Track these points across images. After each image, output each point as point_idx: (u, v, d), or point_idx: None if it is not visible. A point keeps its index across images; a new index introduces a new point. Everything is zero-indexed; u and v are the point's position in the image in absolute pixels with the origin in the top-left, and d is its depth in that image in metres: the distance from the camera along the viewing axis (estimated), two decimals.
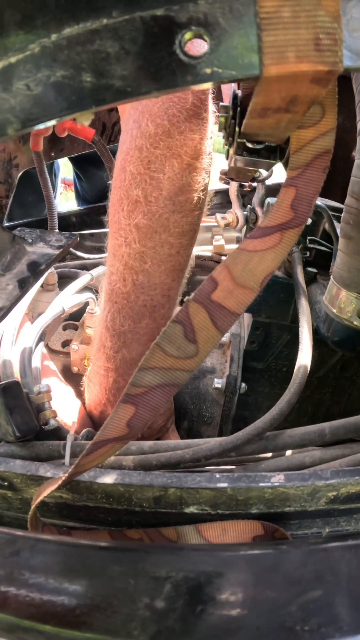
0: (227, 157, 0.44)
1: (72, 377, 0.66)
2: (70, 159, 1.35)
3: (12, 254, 0.43)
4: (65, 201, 2.23)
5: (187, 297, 0.34)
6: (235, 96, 0.36)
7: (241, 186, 0.62)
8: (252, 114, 0.30)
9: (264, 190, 0.62)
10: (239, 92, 0.36)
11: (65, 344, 0.66)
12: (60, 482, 0.37)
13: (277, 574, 0.27)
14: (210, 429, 0.60)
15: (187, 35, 0.23)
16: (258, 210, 0.62)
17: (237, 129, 0.35)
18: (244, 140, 0.38)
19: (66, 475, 0.37)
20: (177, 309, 0.51)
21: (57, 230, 0.80)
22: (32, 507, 0.38)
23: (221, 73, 0.23)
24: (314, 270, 0.56)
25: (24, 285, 0.40)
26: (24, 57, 0.24)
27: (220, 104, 0.37)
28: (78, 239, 0.49)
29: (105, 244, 0.51)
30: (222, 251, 0.77)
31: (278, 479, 0.39)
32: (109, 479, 0.39)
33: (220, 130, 0.37)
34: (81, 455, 0.35)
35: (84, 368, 0.63)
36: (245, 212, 0.63)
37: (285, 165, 0.40)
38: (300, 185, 0.32)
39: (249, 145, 0.39)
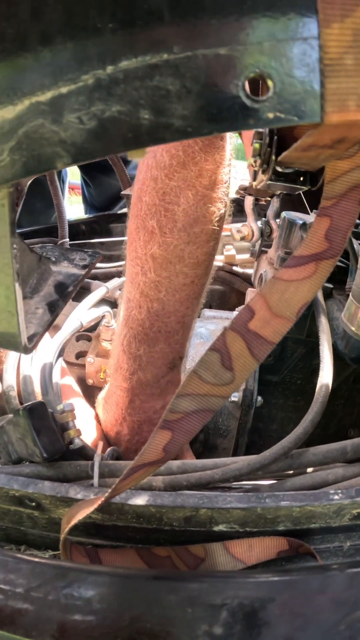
0: (255, 179, 0.44)
1: (87, 390, 0.66)
2: (79, 165, 1.34)
3: (39, 275, 0.42)
4: (69, 205, 2.19)
5: (224, 326, 0.35)
6: None
7: (257, 199, 0.63)
8: (297, 149, 0.30)
9: (278, 202, 0.63)
10: None
11: (79, 355, 0.66)
12: (95, 505, 0.37)
13: (325, 596, 0.28)
14: (226, 441, 0.61)
15: (251, 77, 0.23)
16: (272, 223, 0.63)
17: (273, 157, 0.36)
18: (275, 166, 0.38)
19: (102, 498, 0.37)
20: (192, 332, 0.52)
21: (67, 240, 0.80)
22: (64, 532, 0.39)
23: (283, 118, 0.23)
24: (330, 285, 0.57)
25: (54, 309, 0.40)
26: (76, 88, 0.23)
27: (255, 129, 0.38)
28: (101, 257, 0.49)
29: (123, 251, 0.51)
30: (233, 261, 0.78)
31: (305, 498, 0.40)
32: (140, 500, 0.40)
33: (254, 155, 0.37)
34: (118, 479, 0.36)
35: (99, 380, 0.63)
36: (260, 225, 0.63)
37: (313, 191, 0.40)
38: (334, 215, 0.33)
39: (279, 169, 0.39)
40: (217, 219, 0.44)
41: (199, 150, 0.40)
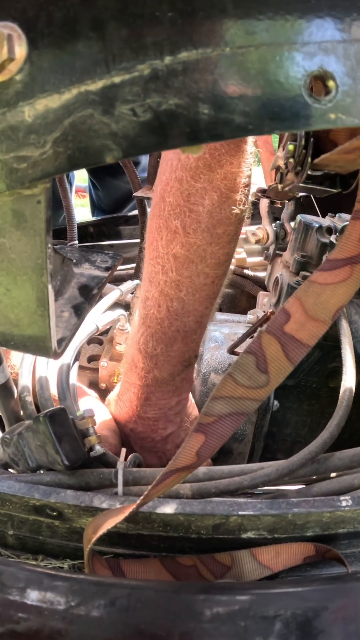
0: (281, 181, 0.44)
1: (99, 394, 0.65)
2: (87, 168, 1.32)
3: (62, 276, 0.41)
4: (75, 208, 2.17)
5: (259, 329, 0.34)
6: None
7: (272, 202, 0.62)
8: (340, 151, 0.30)
9: (293, 205, 0.63)
10: None
11: (91, 359, 0.64)
12: (125, 514, 0.36)
13: None
14: (242, 445, 0.60)
15: (315, 75, 0.22)
16: (287, 226, 0.63)
17: (308, 159, 0.35)
18: None
19: (132, 507, 0.36)
20: (207, 332, 0.51)
21: (76, 242, 0.79)
22: (91, 542, 0.37)
23: (344, 119, 0.23)
24: None
25: (79, 312, 0.39)
26: (130, 79, 0.22)
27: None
28: (122, 259, 0.48)
29: (141, 252, 0.51)
30: (244, 264, 0.77)
31: (337, 503, 0.40)
32: (169, 509, 0.39)
33: (287, 157, 0.37)
34: (151, 485, 0.35)
35: (113, 384, 0.62)
36: (274, 228, 0.63)
37: (346, 194, 0.40)
38: None
39: (309, 172, 0.39)
40: (238, 220, 0.44)
41: (225, 153, 0.40)
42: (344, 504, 0.39)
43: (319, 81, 0.22)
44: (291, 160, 0.37)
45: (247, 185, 0.43)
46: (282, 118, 0.23)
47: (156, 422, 0.53)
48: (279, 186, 0.44)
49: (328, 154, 0.32)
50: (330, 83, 0.23)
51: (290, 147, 0.36)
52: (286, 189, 0.42)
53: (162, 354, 0.49)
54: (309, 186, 0.39)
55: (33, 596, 0.28)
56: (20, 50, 0.22)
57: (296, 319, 0.34)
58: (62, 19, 0.23)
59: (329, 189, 0.40)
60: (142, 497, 0.35)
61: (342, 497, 0.40)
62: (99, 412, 0.55)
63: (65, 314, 0.39)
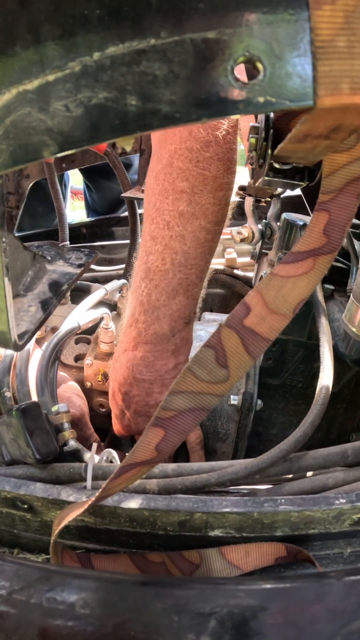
0: (252, 176, 0.43)
1: (85, 392, 0.65)
2: (81, 170, 1.35)
3: (34, 272, 0.42)
4: (72, 210, 2.21)
5: (220, 323, 0.34)
6: (267, 117, 0.35)
7: (257, 201, 0.62)
8: (292, 140, 0.30)
9: (279, 204, 0.62)
10: (272, 114, 0.35)
11: (78, 358, 0.65)
12: (85, 507, 0.36)
13: (320, 606, 0.26)
14: (226, 445, 0.59)
15: (240, 60, 0.22)
16: (273, 224, 0.62)
17: (269, 151, 0.35)
18: (272, 161, 0.37)
19: (92, 499, 0.36)
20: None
21: (68, 243, 0.80)
22: (54, 534, 0.38)
23: (274, 102, 0.23)
24: (331, 287, 0.56)
25: (47, 307, 0.39)
26: (63, 76, 0.23)
27: (251, 124, 0.37)
28: (98, 256, 0.49)
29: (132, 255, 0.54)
30: (234, 264, 0.77)
31: (304, 502, 0.39)
32: (134, 503, 0.39)
33: (250, 151, 0.37)
34: (109, 478, 0.35)
35: (98, 383, 0.62)
36: (260, 227, 0.63)
37: (311, 187, 0.40)
38: (333, 210, 0.32)
39: (276, 165, 0.38)
40: (232, 187, 0.50)
41: (231, 131, 0.45)
42: (311, 503, 0.39)
43: (243, 65, 0.22)
44: (254, 153, 0.37)
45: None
46: (209, 105, 0.23)
47: (151, 385, 0.54)
48: (250, 181, 0.43)
49: (282, 144, 0.31)
50: (258, 66, 0.22)
51: (252, 140, 0.36)
52: (258, 184, 0.42)
53: (164, 306, 0.51)
54: (279, 180, 0.39)
55: None
56: None
57: (256, 312, 0.34)
58: (2, 24, 0.24)
59: (298, 182, 0.40)
60: (100, 490, 0.35)
61: (310, 497, 0.39)
62: (65, 380, 0.58)
63: (32, 309, 0.39)
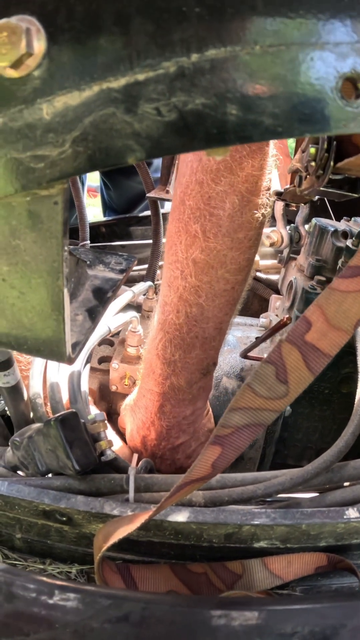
0: (300, 184, 0.42)
1: (110, 395, 0.64)
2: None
3: (76, 278, 0.41)
4: (87, 207, 2.15)
5: (280, 338, 0.33)
6: None
7: (287, 205, 0.61)
8: None
9: (307, 209, 0.61)
10: None
11: (102, 360, 0.64)
12: (137, 524, 0.36)
13: None
14: (253, 451, 0.59)
15: (347, 77, 0.21)
16: (301, 229, 0.62)
17: (331, 162, 0.34)
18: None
19: (145, 516, 0.35)
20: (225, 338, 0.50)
21: (88, 242, 0.78)
22: (101, 550, 0.37)
23: None
24: None
25: (94, 316, 0.38)
26: (155, 76, 0.21)
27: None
28: (136, 261, 0.47)
29: (154, 254, 0.49)
30: (256, 267, 0.76)
31: (352, 514, 0.39)
32: (181, 517, 0.38)
33: (310, 161, 0.36)
34: (164, 498, 0.34)
35: (124, 387, 0.61)
36: (289, 232, 0.62)
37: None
38: None
39: (330, 176, 0.38)
40: (259, 225, 0.43)
41: (246, 155, 0.38)
42: (349, 515, 0.39)
43: (349, 83, 0.21)
44: (312, 163, 0.36)
45: (268, 188, 0.42)
46: (313, 121, 0.22)
47: (169, 431, 0.52)
48: (297, 189, 0.42)
49: (353, 158, 0.31)
50: None
51: (312, 150, 0.35)
52: (305, 192, 0.41)
53: (180, 360, 0.48)
54: (329, 190, 0.38)
55: (45, 608, 0.27)
56: (39, 45, 0.21)
57: (317, 327, 0.33)
58: (83, 12, 0.21)
59: (350, 194, 0.39)
60: (155, 508, 0.34)
61: (350, 508, 0.39)
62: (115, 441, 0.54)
63: (79, 318, 0.38)
